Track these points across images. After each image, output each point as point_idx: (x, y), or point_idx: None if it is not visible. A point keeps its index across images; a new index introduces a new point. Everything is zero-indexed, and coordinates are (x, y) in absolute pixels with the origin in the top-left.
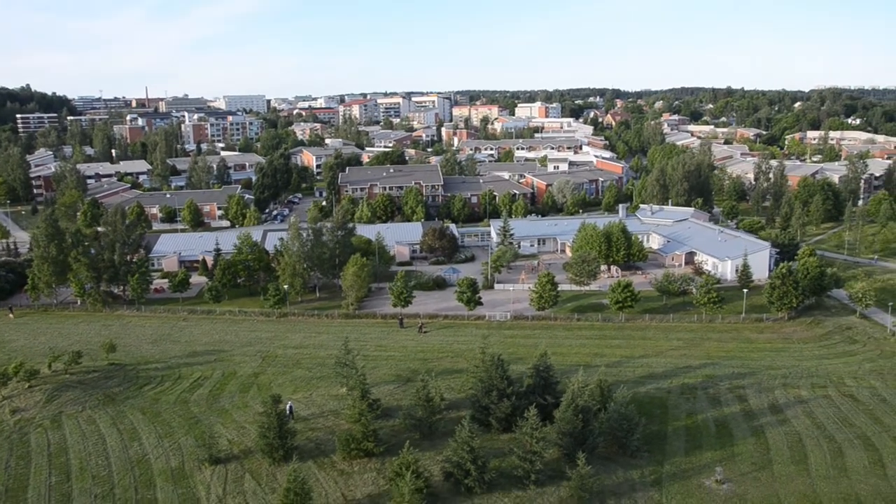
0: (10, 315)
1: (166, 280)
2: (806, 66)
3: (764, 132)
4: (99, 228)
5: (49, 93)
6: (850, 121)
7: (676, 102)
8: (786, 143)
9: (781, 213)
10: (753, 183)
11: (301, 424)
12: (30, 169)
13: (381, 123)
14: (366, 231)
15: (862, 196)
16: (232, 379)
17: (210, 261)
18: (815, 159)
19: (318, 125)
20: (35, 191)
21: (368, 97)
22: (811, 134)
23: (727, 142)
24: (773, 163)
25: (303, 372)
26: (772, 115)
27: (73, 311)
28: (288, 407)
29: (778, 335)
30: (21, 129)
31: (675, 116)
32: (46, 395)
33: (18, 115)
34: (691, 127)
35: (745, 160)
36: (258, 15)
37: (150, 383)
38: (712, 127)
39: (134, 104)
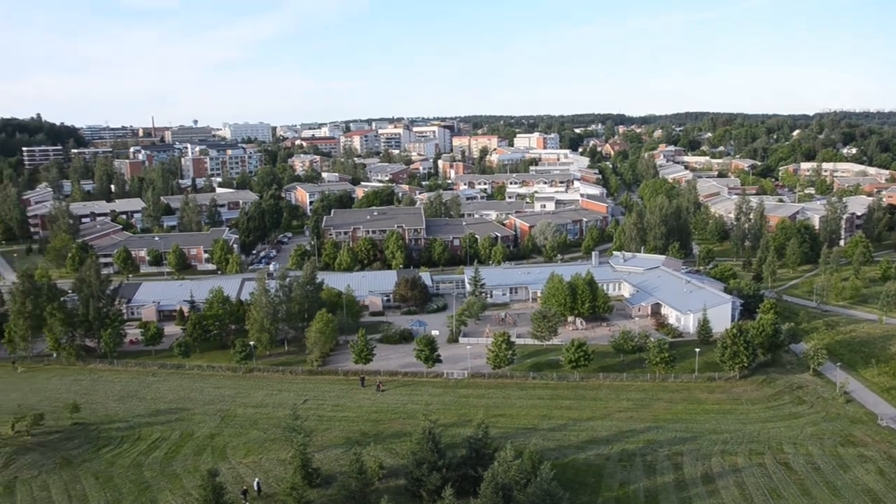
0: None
1: (140, 331)
2: (813, 88)
3: (759, 163)
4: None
5: (58, 123)
6: (845, 151)
7: (676, 131)
8: (780, 174)
9: (757, 256)
10: (735, 223)
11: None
12: (29, 206)
13: (381, 155)
14: (339, 281)
15: (843, 236)
16: (189, 440)
17: (187, 311)
18: (807, 192)
19: (317, 157)
20: (32, 229)
21: (372, 125)
22: (805, 165)
23: (721, 174)
24: (754, 203)
25: (258, 434)
26: (769, 145)
27: (48, 365)
28: (255, 483)
29: (728, 395)
30: (27, 162)
31: (672, 147)
32: (5, 459)
33: (24, 148)
34: (687, 158)
35: (731, 197)
36: (269, 40)
37: (110, 444)
38: (708, 158)
39: (141, 133)
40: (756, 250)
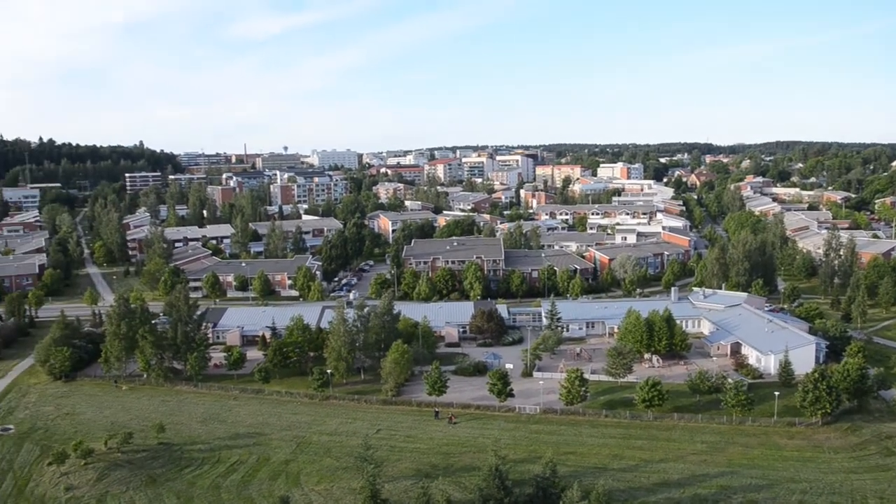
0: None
1: (224, 355)
2: None
3: (853, 195)
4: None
5: (158, 150)
6: None
7: (765, 161)
8: (875, 207)
9: (847, 295)
10: (823, 259)
11: None
12: (128, 230)
13: (464, 183)
14: (416, 311)
15: None
16: (265, 465)
17: (269, 337)
18: None
19: (401, 186)
20: (130, 252)
21: (456, 153)
22: None
23: (812, 207)
24: (845, 238)
25: (331, 461)
26: (865, 176)
27: (138, 385)
28: None
29: (809, 442)
30: (129, 187)
31: (759, 179)
32: (98, 474)
33: (127, 175)
34: (776, 189)
35: (821, 232)
36: (357, 69)
37: (191, 465)
38: (798, 190)
39: (233, 159)
40: (846, 288)
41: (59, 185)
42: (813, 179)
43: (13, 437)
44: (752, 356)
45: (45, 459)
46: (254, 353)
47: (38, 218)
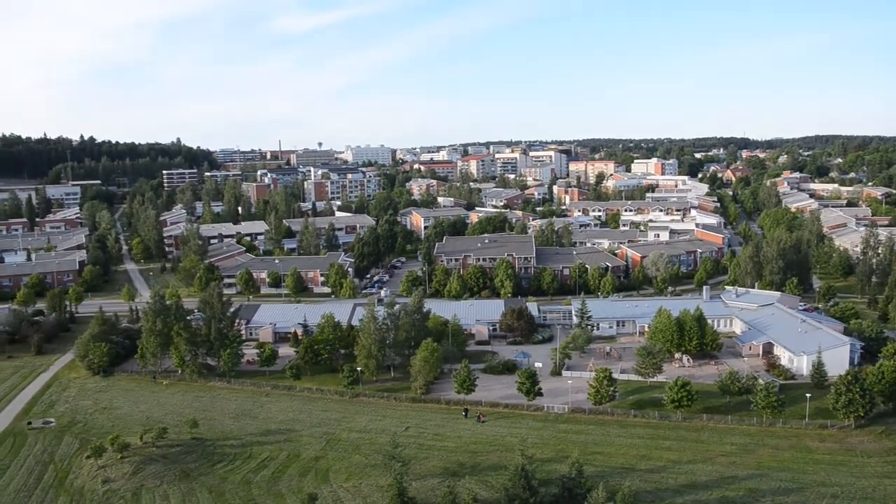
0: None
1: (256, 352)
2: None
3: (895, 191)
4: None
5: (194, 146)
6: None
7: (803, 156)
8: None
9: (885, 294)
10: (861, 257)
11: None
12: (165, 227)
13: (497, 180)
14: (447, 309)
15: None
16: (295, 461)
17: (300, 333)
18: None
19: (433, 182)
20: (167, 248)
21: (490, 149)
22: None
23: (850, 203)
24: (883, 236)
25: (360, 458)
26: None
27: (173, 380)
28: None
29: (841, 445)
30: (166, 184)
31: (797, 174)
32: (133, 467)
33: (164, 172)
34: (814, 185)
35: (859, 229)
36: (391, 65)
37: (223, 461)
38: (836, 186)
39: (268, 156)
40: (883, 287)
41: (98, 182)
42: (852, 175)
43: (54, 430)
44: (784, 357)
45: (84, 452)
46: (285, 350)
47: (78, 215)
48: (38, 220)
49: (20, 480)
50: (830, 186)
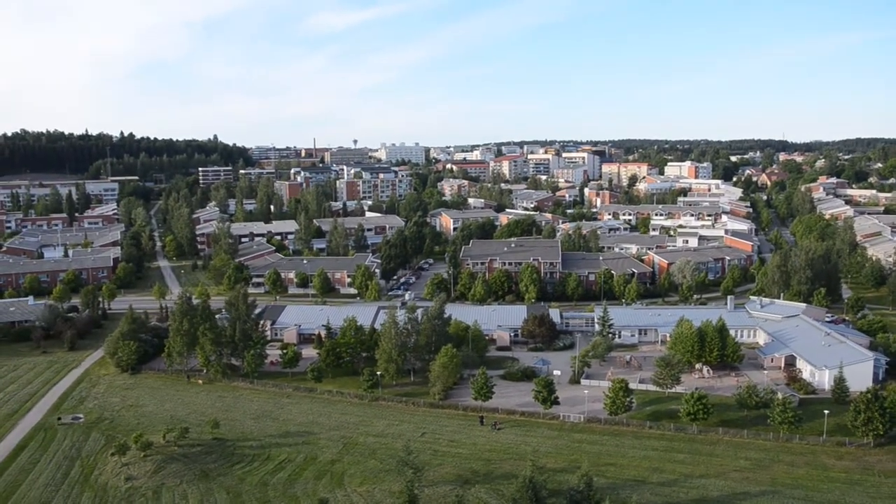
0: (199, 382)
1: (280, 353)
2: None
3: None
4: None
5: (230, 143)
6: None
7: (842, 160)
8: None
9: None
10: (893, 268)
11: None
12: (198, 224)
13: (528, 181)
14: (469, 314)
15: None
16: (311, 464)
17: (324, 335)
18: None
19: (465, 182)
20: (199, 246)
21: (523, 149)
22: None
23: (888, 210)
24: None
25: (375, 463)
26: None
27: (198, 379)
28: None
29: (858, 464)
30: (202, 181)
31: (833, 179)
32: (155, 466)
33: (200, 169)
34: (851, 191)
35: (894, 238)
36: (427, 63)
37: (242, 462)
38: (874, 192)
39: (303, 153)
40: None
41: (136, 178)
42: (892, 180)
43: (83, 426)
44: (806, 370)
45: (109, 449)
46: (309, 352)
47: (115, 211)
48: (77, 215)
49: (48, 475)
50: (868, 192)
